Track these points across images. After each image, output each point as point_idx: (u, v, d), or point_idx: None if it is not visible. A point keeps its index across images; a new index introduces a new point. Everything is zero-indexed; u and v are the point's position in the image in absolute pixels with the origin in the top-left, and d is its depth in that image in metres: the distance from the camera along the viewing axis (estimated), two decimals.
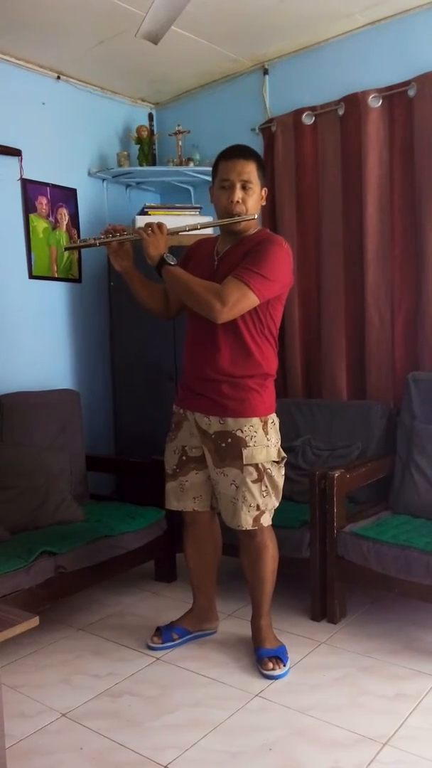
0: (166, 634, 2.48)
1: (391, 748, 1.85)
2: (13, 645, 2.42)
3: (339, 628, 2.57)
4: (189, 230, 2.26)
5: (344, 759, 1.81)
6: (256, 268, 2.11)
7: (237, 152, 2.22)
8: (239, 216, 2.19)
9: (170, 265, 2.20)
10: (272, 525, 2.32)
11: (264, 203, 2.30)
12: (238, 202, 2.19)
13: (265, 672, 2.24)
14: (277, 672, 2.24)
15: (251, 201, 2.21)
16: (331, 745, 1.87)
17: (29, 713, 2.08)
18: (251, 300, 2.11)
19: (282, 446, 2.31)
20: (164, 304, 2.42)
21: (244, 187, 2.19)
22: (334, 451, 3.02)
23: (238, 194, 2.18)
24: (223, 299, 2.09)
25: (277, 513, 2.33)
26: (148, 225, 2.22)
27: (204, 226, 2.26)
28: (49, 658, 2.43)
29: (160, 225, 2.22)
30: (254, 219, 2.23)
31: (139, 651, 2.45)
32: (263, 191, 2.26)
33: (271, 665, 2.25)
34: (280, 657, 2.29)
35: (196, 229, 2.26)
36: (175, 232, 2.26)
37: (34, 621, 1.58)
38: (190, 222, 2.28)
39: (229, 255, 2.24)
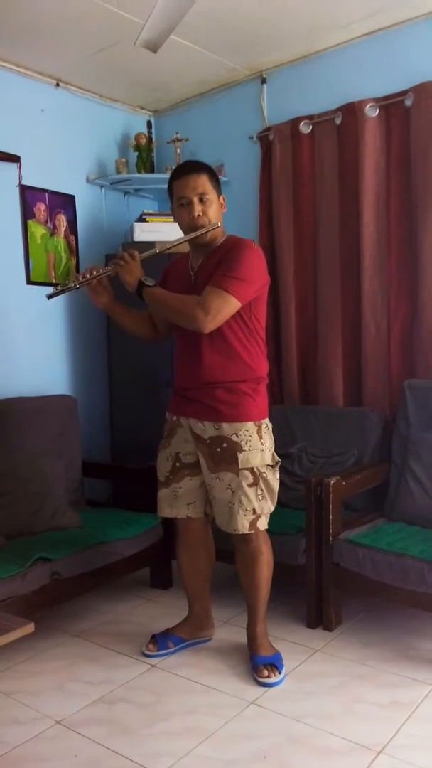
0: (161, 642, 2.47)
1: (386, 756, 1.85)
2: (8, 651, 2.41)
3: (334, 636, 2.57)
4: (159, 252, 2.27)
5: (339, 767, 1.80)
6: (231, 273, 2.14)
7: (187, 169, 2.26)
8: (203, 228, 2.23)
9: (149, 286, 2.22)
10: (268, 531, 2.32)
11: (224, 210, 2.33)
12: (199, 215, 2.22)
13: (261, 679, 2.24)
14: (273, 679, 2.24)
15: (212, 211, 2.24)
16: (325, 752, 1.87)
17: (23, 720, 2.07)
18: (233, 304, 2.14)
19: (278, 453, 2.32)
20: (152, 329, 2.47)
21: (201, 200, 2.23)
22: (330, 458, 3.03)
23: (198, 208, 2.22)
24: (205, 309, 2.12)
25: (273, 519, 2.33)
26: (120, 257, 2.26)
27: (174, 245, 2.27)
28: (44, 664, 2.42)
29: (131, 253, 2.26)
30: (219, 227, 2.25)
31: (134, 658, 2.45)
32: (221, 199, 2.31)
33: (266, 672, 2.25)
34: (275, 664, 2.29)
35: (166, 249, 2.27)
36: (147, 258, 2.27)
37: (29, 627, 1.58)
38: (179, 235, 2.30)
39: (203, 268, 2.27)
